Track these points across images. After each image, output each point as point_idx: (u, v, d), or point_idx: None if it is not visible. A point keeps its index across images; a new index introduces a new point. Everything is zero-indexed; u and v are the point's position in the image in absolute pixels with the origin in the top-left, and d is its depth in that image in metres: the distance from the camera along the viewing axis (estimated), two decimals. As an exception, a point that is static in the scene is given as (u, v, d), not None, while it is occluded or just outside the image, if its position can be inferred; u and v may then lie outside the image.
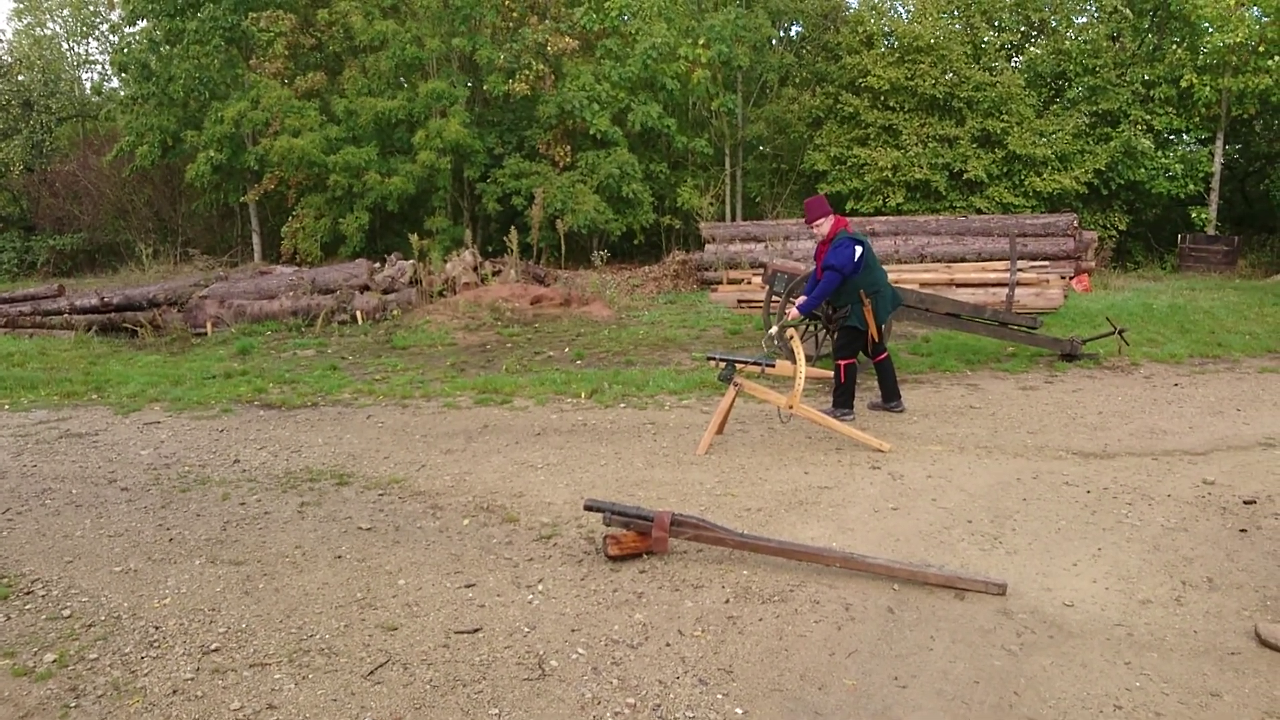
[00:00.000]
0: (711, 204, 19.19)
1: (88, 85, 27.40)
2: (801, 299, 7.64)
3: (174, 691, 3.53)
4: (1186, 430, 7.14)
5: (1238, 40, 16.69)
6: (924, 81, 18.77)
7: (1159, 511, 5.34)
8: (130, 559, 4.82)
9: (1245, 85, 17.21)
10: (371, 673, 3.66)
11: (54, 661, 3.74)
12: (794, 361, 6.79)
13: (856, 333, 7.60)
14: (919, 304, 9.28)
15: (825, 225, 7.54)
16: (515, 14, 19.89)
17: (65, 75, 27.02)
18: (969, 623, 4.04)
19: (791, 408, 6.63)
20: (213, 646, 3.86)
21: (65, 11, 26.98)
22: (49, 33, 27.39)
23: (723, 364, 6.91)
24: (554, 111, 18.52)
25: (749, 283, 14.17)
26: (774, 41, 22.24)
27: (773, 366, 6.89)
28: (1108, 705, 3.42)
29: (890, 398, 7.83)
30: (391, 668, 3.71)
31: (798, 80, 22.11)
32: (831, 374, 7.61)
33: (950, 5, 20.15)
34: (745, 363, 6.92)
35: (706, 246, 16.46)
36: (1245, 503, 5.44)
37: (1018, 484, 5.88)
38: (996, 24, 20.37)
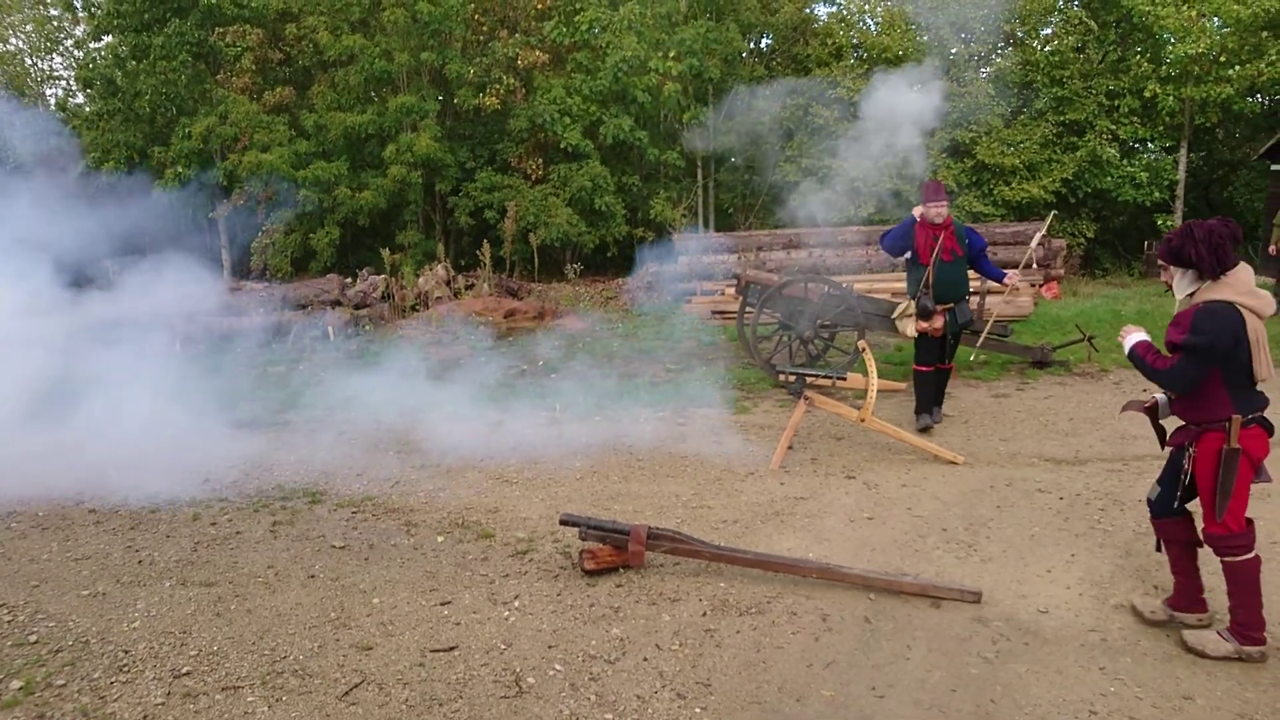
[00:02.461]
0: (684, 216, 19.22)
1: (52, 101, 27.05)
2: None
3: (144, 717, 3.47)
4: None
5: (1199, 51, 16.99)
6: (893, 93, 18.94)
7: (1130, 517, 5.40)
8: (98, 582, 4.74)
9: (1207, 94, 17.53)
10: (346, 694, 3.62)
11: (20, 689, 3.66)
12: (864, 375, 6.83)
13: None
14: (890, 313, 9.33)
15: (945, 210, 7.38)
16: (485, 28, 19.89)
17: (29, 91, 26.66)
18: (945, 631, 4.06)
19: (864, 420, 6.65)
20: (184, 670, 3.81)
21: (28, 27, 26.64)
22: (12, 49, 27.02)
23: (793, 378, 6.92)
24: (525, 125, 18.51)
25: (723, 294, 14.20)
26: (744, 54, 22.36)
27: (844, 379, 6.90)
28: (1083, 711, 3.45)
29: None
30: (367, 688, 3.66)
31: (768, 93, 22.24)
32: (900, 386, 7.54)
33: (918, 17, 20.35)
34: (817, 376, 6.95)
35: (680, 258, 16.48)
36: (1214, 506, 5.50)
37: (991, 491, 5.92)
38: (964, 35, 20.58)
